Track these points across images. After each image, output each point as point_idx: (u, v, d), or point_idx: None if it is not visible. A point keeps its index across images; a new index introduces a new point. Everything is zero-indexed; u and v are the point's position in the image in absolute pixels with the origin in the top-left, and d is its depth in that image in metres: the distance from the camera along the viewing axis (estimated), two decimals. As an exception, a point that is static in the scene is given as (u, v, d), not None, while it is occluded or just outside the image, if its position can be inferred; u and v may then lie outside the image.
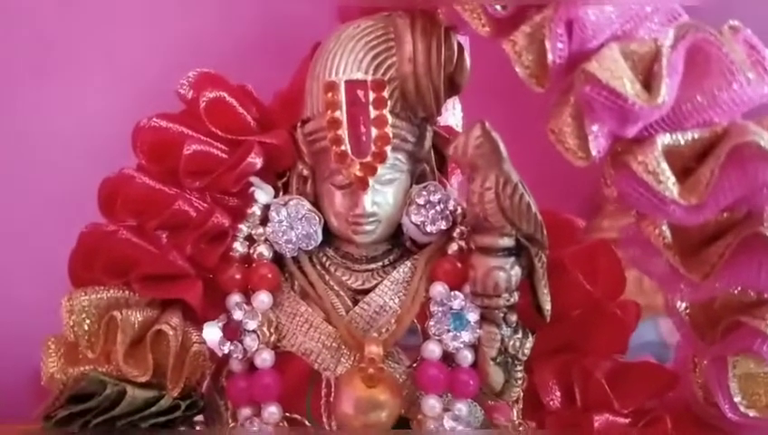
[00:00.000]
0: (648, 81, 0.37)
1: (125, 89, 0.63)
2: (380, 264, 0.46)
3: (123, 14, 0.66)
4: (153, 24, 0.67)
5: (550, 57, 0.37)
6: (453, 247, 0.46)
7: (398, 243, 0.47)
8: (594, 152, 0.38)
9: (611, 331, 0.47)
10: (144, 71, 0.64)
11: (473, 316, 0.44)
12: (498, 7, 0.39)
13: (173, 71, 0.46)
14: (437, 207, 0.46)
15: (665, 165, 0.37)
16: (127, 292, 0.44)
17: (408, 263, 0.46)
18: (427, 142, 0.47)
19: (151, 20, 0.67)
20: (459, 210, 0.46)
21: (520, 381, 0.45)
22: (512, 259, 0.43)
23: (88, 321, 0.43)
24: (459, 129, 0.54)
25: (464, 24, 0.44)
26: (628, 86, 0.36)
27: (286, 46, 0.51)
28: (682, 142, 0.37)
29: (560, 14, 0.36)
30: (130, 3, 0.66)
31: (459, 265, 0.45)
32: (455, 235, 0.46)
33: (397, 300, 0.45)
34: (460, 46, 0.46)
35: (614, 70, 0.36)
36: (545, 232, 0.43)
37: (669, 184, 0.36)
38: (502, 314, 0.43)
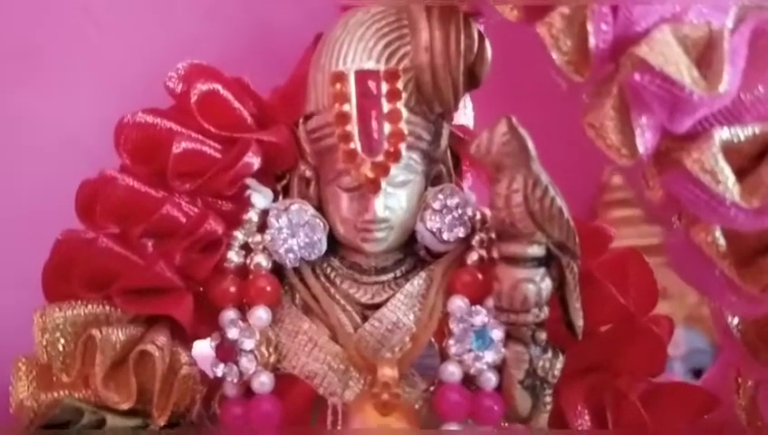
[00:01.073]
0: (702, 68, 0.33)
1: (111, 94, 0.62)
2: (391, 275, 0.42)
3: (108, 18, 0.65)
4: (139, 29, 0.65)
5: (592, 41, 0.33)
6: (472, 257, 0.42)
7: (410, 252, 0.43)
8: (641, 149, 0.34)
9: (647, 349, 0.44)
10: (130, 75, 0.62)
11: (497, 334, 0.40)
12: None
13: (161, 75, 0.43)
14: (455, 213, 0.42)
15: (723, 163, 0.32)
16: (107, 307, 0.40)
17: (423, 274, 0.42)
18: (444, 141, 0.43)
19: (137, 24, 0.66)
20: (479, 216, 0.42)
21: (548, 407, 0.40)
22: (541, 270, 0.39)
23: (63, 340, 0.40)
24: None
25: (487, 10, 0.40)
26: (685, 73, 0.32)
27: (276, 51, 0.49)
28: (742, 138, 0.33)
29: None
30: (116, 7, 0.65)
31: (480, 276, 0.41)
32: (474, 243, 0.42)
33: (411, 316, 0.41)
34: (480, 35, 0.42)
35: (668, 55, 0.32)
36: (578, 240, 0.39)
37: (729, 184, 0.32)
38: (530, 332, 0.39)
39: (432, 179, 0.43)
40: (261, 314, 0.40)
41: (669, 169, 0.35)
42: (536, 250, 0.39)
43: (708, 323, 0.69)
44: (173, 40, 0.63)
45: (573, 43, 0.34)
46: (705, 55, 0.33)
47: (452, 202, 0.42)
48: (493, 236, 0.42)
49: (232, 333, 0.40)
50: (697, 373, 0.69)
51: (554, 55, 0.34)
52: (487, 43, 0.42)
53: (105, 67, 0.65)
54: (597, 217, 0.80)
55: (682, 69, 0.32)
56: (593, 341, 0.43)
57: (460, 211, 0.42)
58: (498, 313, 0.40)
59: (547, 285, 0.39)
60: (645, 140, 0.34)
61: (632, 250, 0.45)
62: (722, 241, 0.35)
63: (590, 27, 0.33)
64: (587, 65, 0.34)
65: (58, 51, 0.64)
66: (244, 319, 0.41)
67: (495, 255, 0.41)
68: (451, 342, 0.40)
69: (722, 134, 0.33)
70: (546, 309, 0.39)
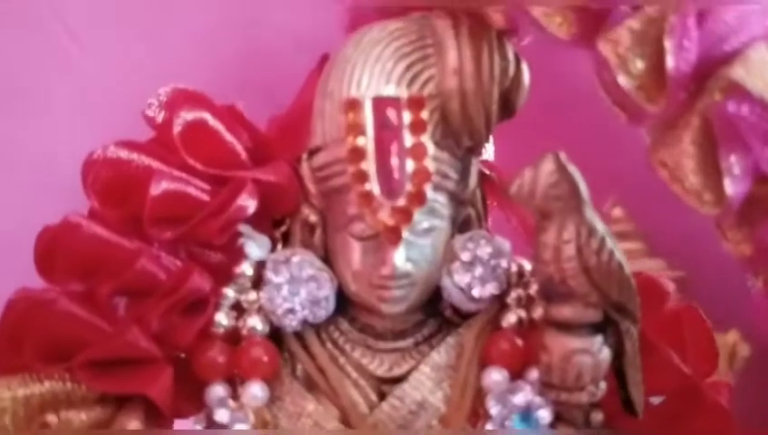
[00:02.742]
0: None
1: (95, 122, 0.58)
2: (411, 341, 0.37)
3: (94, 44, 0.62)
4: (127, 56, 0.62)
5: (671, 62, 0.27)
6: (509, 319, 0.36)
7: (433, 312, 0.38)
8: (731, 192, 0.27)
9: (713, 424, 0.38)
10: (115, 102, 0.59)
11: (545, 415, 0.34)
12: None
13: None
14: (487, 265, 0.36)
15: (835, 212, 0.26)
16: (69, 383, 0.35)
17: (451, 340, 0.37)
18: (473, 180, 0.38)
19: (125, 51, 0.62)
20: (514, 268, 0.37)
21: (602, 499, 0.34)
22: (599, 338, 0.34)
23: (11, 426, 0.34)
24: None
25: (525, 26, 0.34)
26: (793, 101, 0.26)
27: (265, 79, 0.48)
28: None
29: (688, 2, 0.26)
30: (101, 31, 0.61)
31: (519, 342, 0.36)
32: (510, 301, 0.37)
33: (439, 393, 0.35)
34: (516, 56, 0.37)
35: (769, 79, 0.26)
36: (638, 301, 0.33)
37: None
38: (583, 414, 0.34)
39: (459, 225, 0.37)
40: (256, 393, 0.35)
41: (763, 219, 0.28)
42: (592, 314, 0.33)
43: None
44: (159, 66, 0.60)
45: (646, 64, 0.28)
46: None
47: (483, 252, 0.36)
48: (532, 292, 0.36)
49: (220, 416, 0.35)
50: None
51: (621, 79, 0.28)
52: (524, 66, 0.37)
53: (89, 93, 0.62)
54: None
55: (789, 96, 0.26)
56: (650, 414, 0.37)
57: (493, 263, 0.36)
58: (546, 389, 0.34)
59: (606, 356, 0.33)
60: (734, 183, 0.28)
61: (689, 306, 0.40)
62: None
63: (668, 44, 0.27)
64: (662, 90, 0.28)
65: (39, 74, 0.61)
66: (236, 396, 0.36)
67: (536, 316, 0.36)
68: (489, 426, 0.34)
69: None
70: (603, 385, 0.34)
